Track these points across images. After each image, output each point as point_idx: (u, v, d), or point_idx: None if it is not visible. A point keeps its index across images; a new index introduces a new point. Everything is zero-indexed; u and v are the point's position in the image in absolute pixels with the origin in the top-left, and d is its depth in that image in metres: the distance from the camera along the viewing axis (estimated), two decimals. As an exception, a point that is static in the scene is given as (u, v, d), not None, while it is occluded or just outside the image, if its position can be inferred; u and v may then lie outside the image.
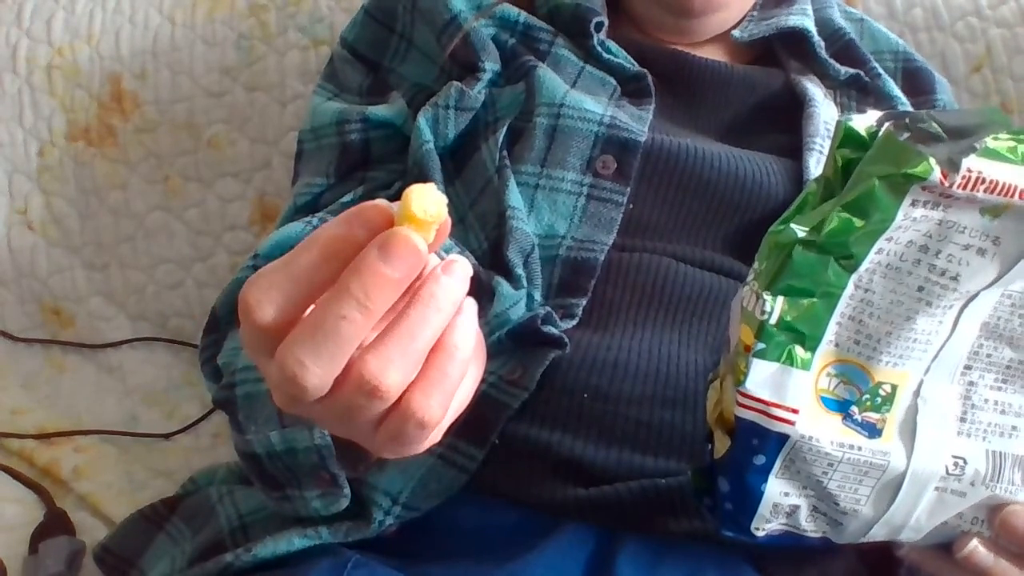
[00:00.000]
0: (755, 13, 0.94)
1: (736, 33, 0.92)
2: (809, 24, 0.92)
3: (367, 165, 0.87)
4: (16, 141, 1.16)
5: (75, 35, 1.17)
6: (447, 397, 0.45)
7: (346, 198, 0.84)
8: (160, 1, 1.18)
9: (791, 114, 0.86)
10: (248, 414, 0.70)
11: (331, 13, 1.16)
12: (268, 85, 1.15)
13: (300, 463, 0.66)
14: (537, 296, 0.74)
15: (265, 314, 0.44)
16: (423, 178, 0.81)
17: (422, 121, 0.83)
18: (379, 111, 0.87)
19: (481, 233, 0.78)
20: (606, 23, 0.89)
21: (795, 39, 0.92)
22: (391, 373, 0.43)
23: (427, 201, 0.43)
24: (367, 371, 0.43)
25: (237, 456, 0.73)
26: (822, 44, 0.91)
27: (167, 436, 1.06)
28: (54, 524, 0.92)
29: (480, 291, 0.72)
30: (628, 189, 0.78)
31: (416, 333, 0.43)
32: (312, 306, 0.44)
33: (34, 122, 1.16)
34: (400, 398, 0.44)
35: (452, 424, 0.66)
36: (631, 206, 0.78)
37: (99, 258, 1.16)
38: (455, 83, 0.84)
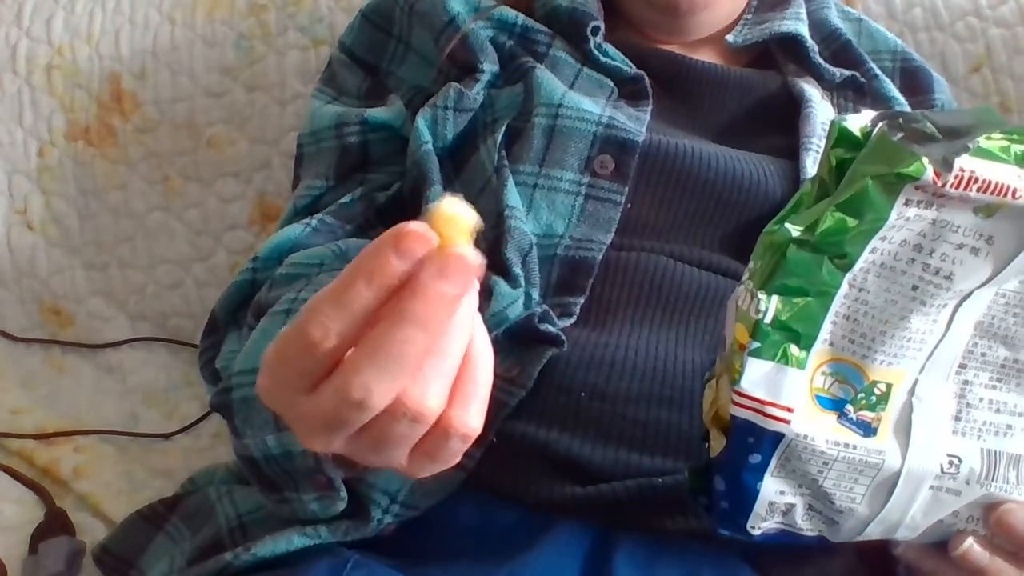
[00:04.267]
0: (749, 16, 0.94)
1: (730, 38, 0.92)
2: (803, 29, 0.92)
3: (366, 167, 0.88)
4: (16, 141, 1.16)
5: (75, 35, 1.18)
6: (483, 405, 0.46)
7: (345, 199, 0.84)
8: (160, 1, 1.18)
9: (788, 115, 0.86)
10: (245, 418, 0.70)
11: (331, 13, 1.16)
12: (268, 85, 1.15)
13: (296, 467, 0.66)
14: (535, 295, 0.75)
15: (328, 343, 0.44)
16: (422, 179, 0.81)
17: (421, 122, 0.83)
18: (377, 113, 0.87)
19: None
20: (602, 27, 0.89)
21: (790, 42, 0.92)
22: (431, 396, 0.44)
23: (461, 211, 0.44)
24: (408, 399, 0.44)
25: (236, 457, 0.73)
26: (816, 48, 0.92)
27: (167, 436, 1.06)
28: (54, 524, 0.92)
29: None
30: (626, 189, 0.78)
31: (447, 352, 0.44)
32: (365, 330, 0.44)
33: (34, 122, 1.16)
34: (440, 417, 0.45)
35: None
36: (629, 206, 0.79)
37: (99, 258, 1.16)
38: (454, 84, 0.84)
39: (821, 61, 0.91)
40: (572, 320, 0.74)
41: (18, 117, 1.17)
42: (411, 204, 0.83)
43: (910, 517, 0.57)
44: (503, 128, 0.81)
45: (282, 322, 0.70)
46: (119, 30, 1.17)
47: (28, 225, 1.16)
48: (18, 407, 1.07)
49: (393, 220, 0.88)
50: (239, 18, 1.16)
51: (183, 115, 1.16)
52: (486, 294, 0.72)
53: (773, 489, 0.55)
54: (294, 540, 0.69)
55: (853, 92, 0.91)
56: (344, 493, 0.66)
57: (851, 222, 0.51)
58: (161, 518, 0.84)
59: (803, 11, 0.95)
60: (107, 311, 1.15)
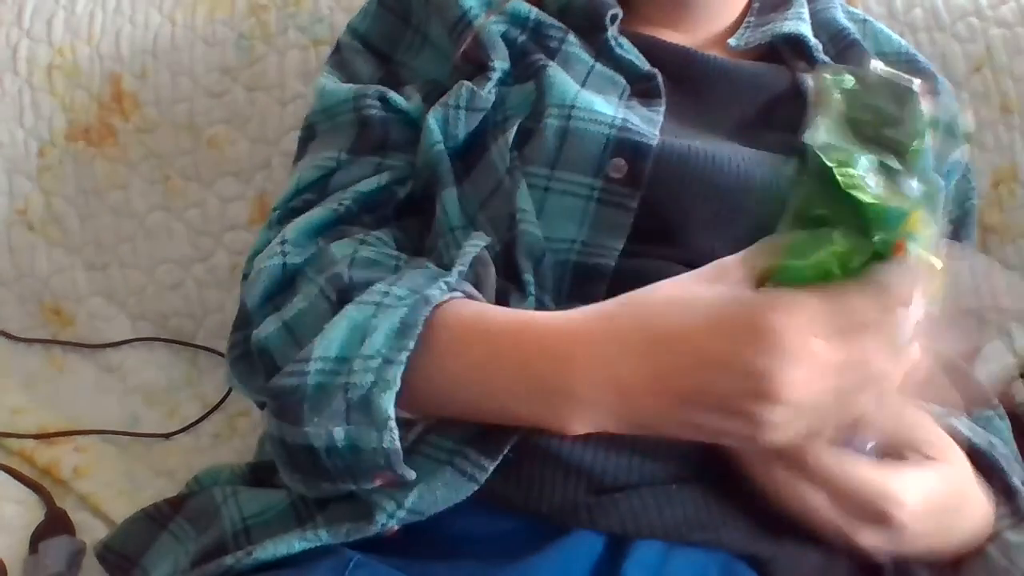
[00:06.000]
0: (751, 19, 0.94)
1: (732, 42, 0.91)
2: (805, 29, 0.92)
3: (384, 149, 0.86)
4: (16, 141, 1.16)
5: (75, 35, 1.17)
6: None
7: (366, 187, 0.83)
8: (160, 1, 1.18)
9: (798, 111, 0.86)
10: (314, 405, 0.68)
11: (331, 13, 1.16)
12: (268, 85, 1.15)
13: (362, 462, 0.65)
14: (548, 302, 0.74)
15: None
16: (434, 180, 0.81)
17: (432, 121, 0.82)
18: (396, 97, 0.86)
19: (493, 235, 0.77)
20: (621, 14, 0.88)
21: (794, 41, 0.92)
22: None
23: None
24: None
25: (271, 445, 0.70)
26: (820, 47, 0.91)
27: (167, 436, 1.07)
28: (54, 524, 0.92)
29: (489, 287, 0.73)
30: (639, 193, 0.77)
31: None
32: None
33: (34, 122, 1.16)
34: None
35: (463, 432, 0.68)
36: (641, 210, 0.78)
37: (99, 258, 1.16)
38: (466, 83, 0.82)
39: (826, 59, 0.90)
40: None
41: (18, 117, 1.16)
42: (425, 206, 0.82)
43: None
44: (514, 128, 0.80)
45: (371, 313, 0.69)
46: (119, 30, 1.17)
47: (28, 225, 1.16)
48: (18, 407, 1.07)
49: (409, 221, 0.86)
50: (239, 18, 1.16)
51: (183, 115, 1.16)
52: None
53: None
54: (295, 544, 0.68)
55: (858, 90, 0.91)
56: (412, 475, 0.66)
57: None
58: (166, 517, 0.84)
59: (805, 11, 0.94)
60: (107, 311, 1.15)
